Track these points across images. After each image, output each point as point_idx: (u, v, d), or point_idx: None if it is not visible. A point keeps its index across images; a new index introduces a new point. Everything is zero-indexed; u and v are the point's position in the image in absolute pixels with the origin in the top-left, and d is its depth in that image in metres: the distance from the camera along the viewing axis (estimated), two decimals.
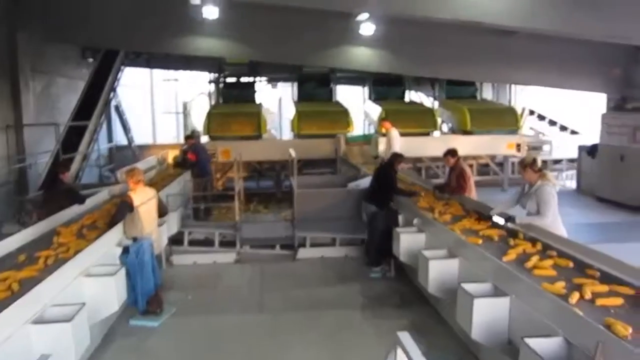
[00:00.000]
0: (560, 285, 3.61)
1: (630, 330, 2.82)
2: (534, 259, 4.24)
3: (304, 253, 8.25)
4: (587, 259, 4.27)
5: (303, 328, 5.68)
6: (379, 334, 5.43)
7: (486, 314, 3.75)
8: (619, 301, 3.34)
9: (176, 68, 20.10)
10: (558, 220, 5.36)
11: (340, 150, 12.89)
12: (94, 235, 5.53)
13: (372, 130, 16.27)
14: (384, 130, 12.12)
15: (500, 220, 5.59)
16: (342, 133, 13.50)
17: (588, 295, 3.39)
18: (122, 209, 5.77)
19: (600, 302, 3.32)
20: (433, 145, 12.52)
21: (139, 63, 18.05)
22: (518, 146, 13.19)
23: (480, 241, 4.89)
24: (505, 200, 6.02)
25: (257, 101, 16.52)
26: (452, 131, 15.81)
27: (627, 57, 12.18)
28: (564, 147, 15.42)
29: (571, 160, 14.94)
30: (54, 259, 4.70)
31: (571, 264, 4.16)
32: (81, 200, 7.04)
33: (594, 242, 7.69)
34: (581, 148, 13.86)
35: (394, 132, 11.66)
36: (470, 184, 7.37)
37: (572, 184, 14.77)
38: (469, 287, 3.98)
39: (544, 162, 14.66)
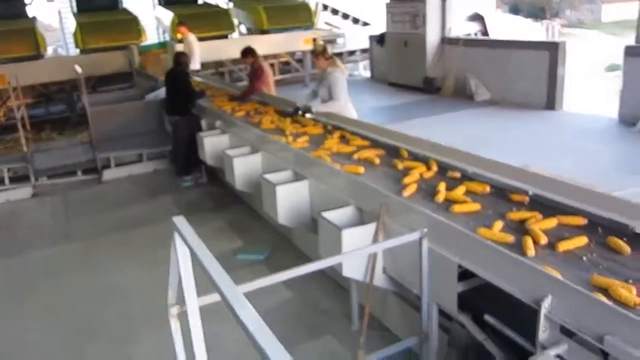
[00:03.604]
0: (498, 227, 2.73)
1: (634, 291, 2.06)
2: (442, 189, 3.28)
3: (109, 174, 7.81)
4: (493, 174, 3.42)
5: (116, 249, 5.49)
6: None
7: (288, 198, 3.93)
8: (583, 241, 2.53)
9: None
10: (348, 103, 5.71)
11: (135, 62, 12.05)
12: None
13: (167, 38, 15.40)
14: (179, 36, 11.56)
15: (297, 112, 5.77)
16: (134, 43, 12.56)
17: (543, 240, 2.53)
18: None
19: (562, 247, 2.47)
20: (232, 47, 12.25)
21: None
22: (314, 41, 13.52)
23: (362, 170, 3.83)
24: (305, 94, 6.17)
25: (29, 15, 14.47)
26: (250, 31, 15.64)
27: None
28: (357, 39, 16.16)
29: (364, 51, 15.81)
30: None
31: (488, 189, 3.30)
32: None
33: (389, 122, 8.47)
34: (371, 38, 14.67)
35: (192, 37, 11.23)
36: (269, 80, 7.43)
37: (367, 73, 15.74)
38: (270, 176, 4.11)
39: (340, 54, 15.40)
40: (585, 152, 7.37)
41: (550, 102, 9.99)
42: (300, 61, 14.68)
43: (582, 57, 13.10)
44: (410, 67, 12.59)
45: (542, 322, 2.08)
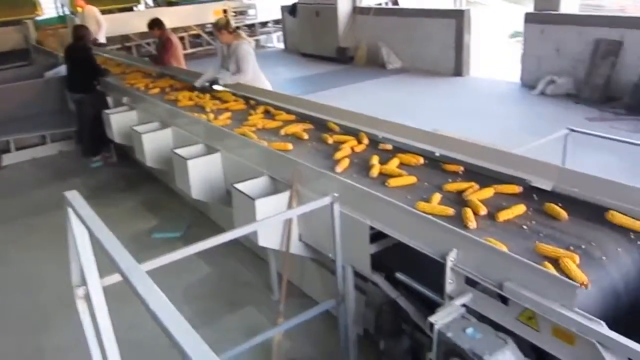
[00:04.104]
0: (437, 199, 2.66)
1: (577, 259, 2.05)
2: (375, 162, 3.19)
3: (10, 159, 7.32)
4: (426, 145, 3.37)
5: (22, 237, 5.19)
6: (107, 225, 5.25)
7: (201, 172, 3.84)
8: (521, 209, 2.50)
9: None
10: (261, 75, 5.64)
11: (31, 38, 11.25)
12: None
13: (67, 11, 14.47)
14: (79, 10, 10.91)
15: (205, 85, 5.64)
16: (28, 18, 11.73)
17: (483, 210, 2.49)
18: None
19: (502, 217, 2.43)
20: (138, 20, 11.74)
21: None
22: (225, 12, 13.20)
23: (290, 146, 3.66)
24: (210, 68, 6.00)
25: None
26: (157, 3, 15.04)
27: None
28: (269, 9, 15.90)
29: (277, 22, 15.61)
30: None
31: (422, 160, 3.23)
32: None
33: (304, 93, 8.46)
34: (283, 8, 14.48)
35: (92, 10, 10.63)
36: (178, 53, 7.18)
37: (281, 44, 15.58)
38: (181, 151, 4.00)
39: (252, 25, 15.14)
40: (491, 115, 7.74)
41: (458, 68, 10.36)
42: (211, 34, 14.29)
43: (487, 25, 13.60)
44: (322, 37, 12.59)
45: (449, 275, 2.17)
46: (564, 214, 2.41)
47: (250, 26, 14.97)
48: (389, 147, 3.55)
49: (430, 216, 2.36)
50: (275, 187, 3.29)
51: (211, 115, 4.67)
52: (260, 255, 4.22)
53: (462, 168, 3.06)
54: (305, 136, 3.92)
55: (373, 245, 2.65)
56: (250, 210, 2.99)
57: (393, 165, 3.16)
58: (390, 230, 2.50)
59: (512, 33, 13.88)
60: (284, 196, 3.07)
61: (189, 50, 13.26)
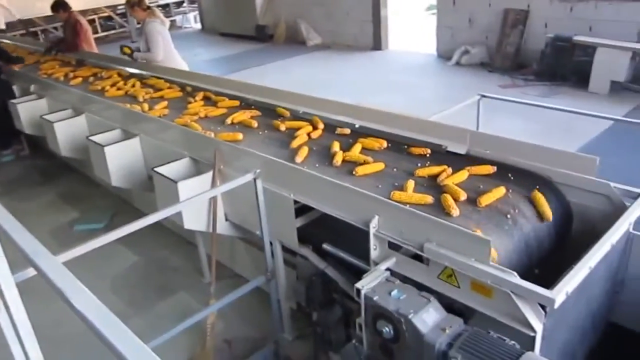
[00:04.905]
0: (411, 187, 2.48)
1: None
2: (337, 149, 2.96)
3: None
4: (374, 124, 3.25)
5: None
6: (24, 220, 4.99)
7: (119, 158, 3.71)
8: (501, 191, 2.36)
9: None
10: (176, 57, 5.50)
11: None
12: None
13: None
14: None
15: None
16: None
17: (463, 196, 2.34)
18: None
19: (484, 201, 2.29)
20: (43, 2, 11.02)
21: None
22: None
23: (240, 136, 3.32)
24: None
25: None
26: None
27: None
28: None
29: (192, 1, 15.19)
30: None
31: (385, 144, 3.03)
32: None
33: (225, 73, 8.31)
34: None
35: None
36: (88, 36, 6.84)
37: (198, 24, 15.20)
38: (97, 138, 3.84)
39: (166, 5, 14.66)
40: (410, 87, 7.92)
41: (377, 42, 10.50)
42: (124, 15, 13.71)
43: None
44: (240, 16, 12.38)
45: (372, 241, 2.23)
46: (548, 213, 2.28)
47: (165, 6, 14.48)
48: (347, 131, 3.31)
49: (407, 206, 2.24)
50: (198, 169, 3.24)
51: (145, 106, 4.25)
52: (189, 239, 4.15)
53: (429, 150, 2.88)
54: (255, 124, 3.60)
55: (299, 219, 2.67)
56: (173, 194, 2.93)
57: (356, 151, 2.94)
58: (314, 202, 2.52)
59: (428, 6, 14.21)
60: (207, 177, 3.03)
61: (101, 34, 12.67)
